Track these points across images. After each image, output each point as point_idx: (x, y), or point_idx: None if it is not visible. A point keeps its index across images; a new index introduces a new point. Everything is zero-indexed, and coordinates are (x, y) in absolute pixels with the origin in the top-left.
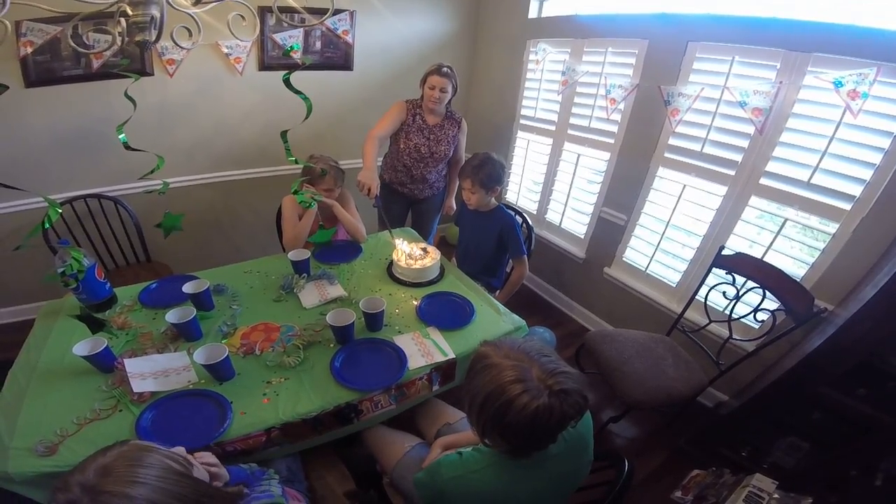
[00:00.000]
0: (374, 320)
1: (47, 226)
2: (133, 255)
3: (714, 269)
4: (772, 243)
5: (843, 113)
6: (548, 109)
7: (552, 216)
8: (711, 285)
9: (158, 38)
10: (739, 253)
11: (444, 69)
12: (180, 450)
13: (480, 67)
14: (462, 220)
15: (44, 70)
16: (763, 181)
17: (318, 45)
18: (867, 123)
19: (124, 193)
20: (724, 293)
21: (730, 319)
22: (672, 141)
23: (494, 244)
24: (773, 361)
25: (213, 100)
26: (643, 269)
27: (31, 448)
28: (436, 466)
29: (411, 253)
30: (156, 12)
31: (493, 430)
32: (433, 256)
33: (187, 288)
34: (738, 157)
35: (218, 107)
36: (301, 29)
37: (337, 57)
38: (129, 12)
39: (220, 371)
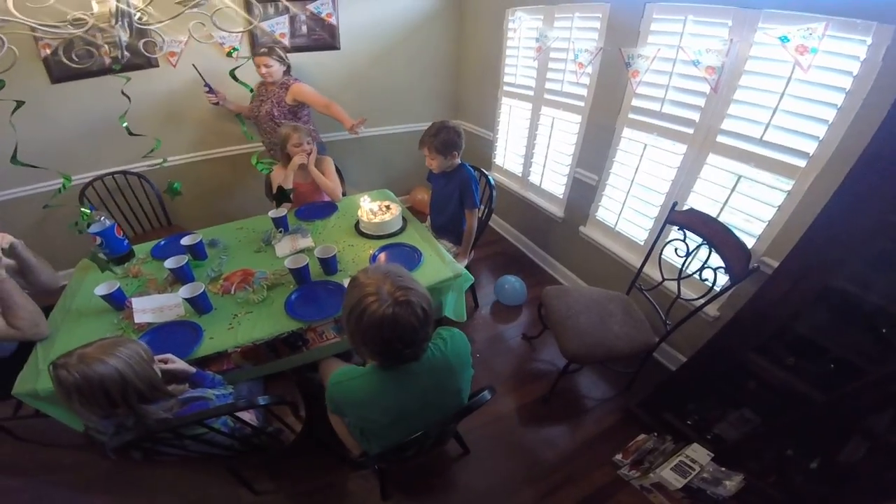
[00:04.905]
0: (327, 265)
1: (62, 191)
2: (157, 221)
3: (672, 227)
4: (727, 200)
5: (793, 69)
6: (526, 76)
7: (534, 178)
8: (668, 241)
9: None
10: (691, 209)
11: (263, 51)
12: (164, 356)
13: (467, 38)
14: (432, 178)
15: (64, 68)
16: (720, 139)
17: (305, 28)
18: (820, 79)
19: (146, 170)
20: (675, 250)
21: (679, 277)
22: (635, 102)
23: (458, 199)
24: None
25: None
26: (612, 227)
27: None
28: (331, 377)
29: (372, 209)
30: (122, 34)
31: (357, 338)
32: (393, 212)
33: (184, 241)
34: (695, 116)
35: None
36: (286, 15)
37: (324, 38)
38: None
39: (198, 304)
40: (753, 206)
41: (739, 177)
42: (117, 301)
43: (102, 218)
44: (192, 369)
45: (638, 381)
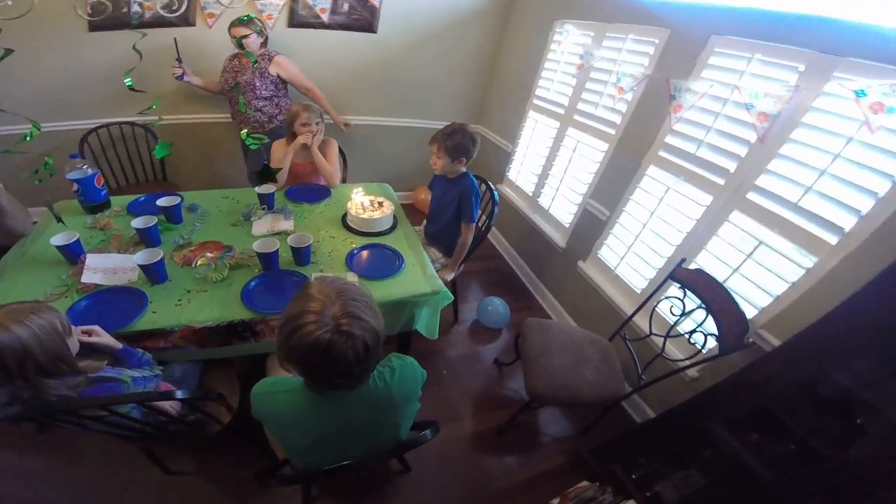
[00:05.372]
0: (299, 255)
1: (28, 139)
2: (153, 174)
3: (674, 283)
4: (739, 267)
5: (859, 128)
6: (560, 92)
7: (544, 200)
8: (665, 297)
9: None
10: (699, 270)
11: (237, 20)
12: (89, 327)
13: (507, 42)
14: (434, 183)
15: (95, 16)
16: (750, 196)
17: (346, 6)
18: (885, 144)
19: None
20: (671, 307)
21: (667, 335)
22: (669, 139)
23: (455, 208)
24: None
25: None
26: (612, 269)
27: None
28: (256, 385)
29: (363, 203)
30: None
31: (282, 353)
32: (385, 210)
33: (161, 202)
34: (731, 166)
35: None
36: None
37: (362, 19)
38: None
39: (151, 273)
40: (764, 277)
41: (760, 243)
42: (72, 254)
43: (85, 166)
44: (119, 345)
45: (598, 425)
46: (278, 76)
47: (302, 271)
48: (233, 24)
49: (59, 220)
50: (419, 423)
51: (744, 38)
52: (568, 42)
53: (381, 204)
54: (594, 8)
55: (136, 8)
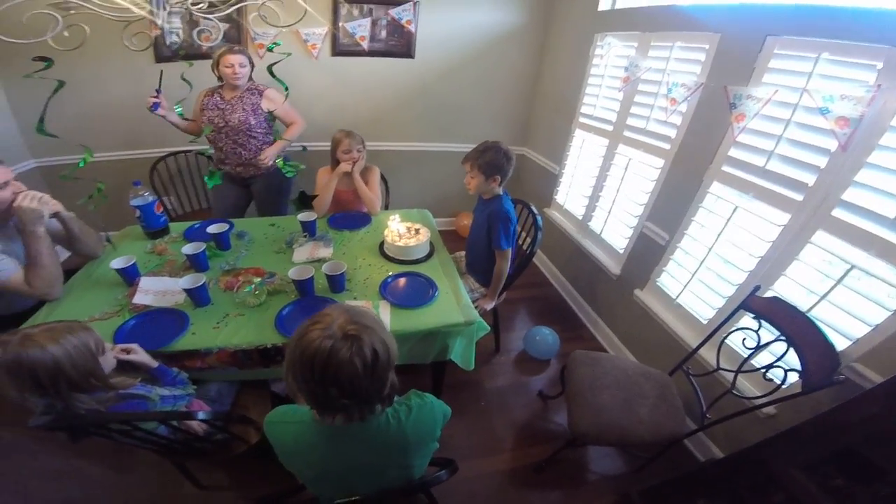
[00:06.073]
0: (333, 282)
1: (81, 165)
2: None
3: (747, 313)
4: (827, 294)
5: None
6: (607, 108)
7: (595, 224)
8: (737, 328)
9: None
10: (777, 298)
11: (235, 48)
12: (129, 346)
13: (547, 60)
14: (475, 208)
15: (166, 48)
16: (836, 213)
17: (384, 33)
18: None
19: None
20: (743, 340)
21: (738, 370)
22: (733, 152)
23: (486, 233)
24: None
25: (291, 81)
26: (674, 299)
27: None
28: (269, 414)
29: (399, 230)
30: (161, 21)
31: (289, 372)
32: (421, 238)
33: (210, 229)
34: (810, 179)
35: (294, 87)
36: (369, 18)
37: (400, 45)
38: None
39: (194, 296)
40: (859, 305)
41: (852, 266)
42: (129, 276)
43: (146, 193)
44: (154, 363)
45: (654, 464)
46: (269, 112)
47: (336, 298)
48: (231, 52)
49: (108, 240)
50: (437, 461)
51: (804, 38)
52: (611, 55)
53: (417, 231)
54: (634, 18)
55: (173, 38)
